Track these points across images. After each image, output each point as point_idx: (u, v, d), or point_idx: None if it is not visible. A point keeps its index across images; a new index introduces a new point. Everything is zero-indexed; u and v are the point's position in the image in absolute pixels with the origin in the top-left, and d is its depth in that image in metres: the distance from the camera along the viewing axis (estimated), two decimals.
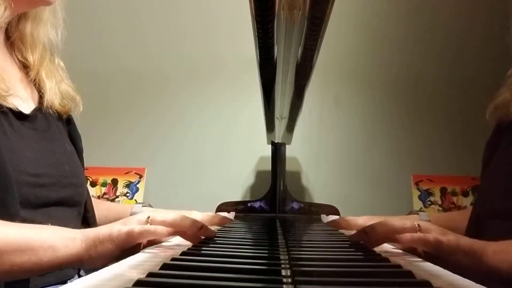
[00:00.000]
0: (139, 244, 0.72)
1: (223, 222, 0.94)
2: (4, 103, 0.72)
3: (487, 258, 0.63)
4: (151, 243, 0.73)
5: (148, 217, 0.68)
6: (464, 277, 0.49)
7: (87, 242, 0.63)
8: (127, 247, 0.66)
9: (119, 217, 0.92)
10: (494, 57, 1.96)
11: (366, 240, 0.71)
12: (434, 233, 0.66)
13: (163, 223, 0.68)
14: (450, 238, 0.66)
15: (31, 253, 0.58)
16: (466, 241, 0.66)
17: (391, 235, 0.69)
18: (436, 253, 0.66)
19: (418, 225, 0.68)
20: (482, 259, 0.63)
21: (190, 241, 0.70)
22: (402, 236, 0.67)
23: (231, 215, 1.38)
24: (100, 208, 0.95)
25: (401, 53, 2.05)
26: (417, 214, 1.05)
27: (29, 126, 0.78)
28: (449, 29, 2.05)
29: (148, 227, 0.67)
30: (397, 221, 0.71)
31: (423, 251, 0.71)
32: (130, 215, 0.92)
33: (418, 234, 0.67)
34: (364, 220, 0.94)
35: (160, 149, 2.05)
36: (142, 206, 1.02)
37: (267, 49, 0.68)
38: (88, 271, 0.81)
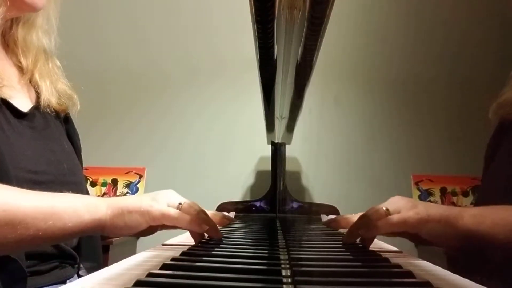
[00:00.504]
0: (164, 225, 0.72)
1: (223, 222, 0.94)
2: None
3: (463, 222, 0.63)
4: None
5: (180, 204, 0.67)
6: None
7: (113, 209, 0.64)
8: (156, 225, 0.67)
9: None
10: (494, 57, 1.96)
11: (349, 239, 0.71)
12: (401, 214, 0.65)
13: (194, 214, 0.68)
14: (418, 210, 0.65)
15: (56, 218, 0.59)
16: (437, 210, 0.65)
17: (367, 233, 0.68)
18: (407, 230, 0.66)
19: (387, 209, 0.66)
20: (457, 223, 0.63)
21: (195, 239, 0.71)
22: (371, 232, 0.67)
23: (231, 214, 1.38)
24: None
25: (401, 53, 2.06)
26: None
27: (27, 125, 0.78)
28: (449, 29, 2.05)
29: (182, 215, 0.66)
30: (371, 212, 0.68)
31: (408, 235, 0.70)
32: None
33: (382, 221, 0.65)
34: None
35: (160, 149, 2.05)
36: None
37: (267, 49, 0.68)
38: (88, 270, 0.82)
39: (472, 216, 0.64)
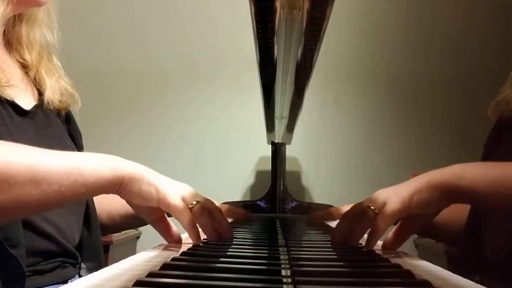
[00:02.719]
0: (163, 217, 0.73)
1: (228, 215, 0.95)
2: (4, 94, 0.73)
3: (443, 179, 0.64)
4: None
5: (195, 203, 0.68)
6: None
7: (135, 172, 0.65)
8: (161, 209, 0.68)
9: (123, 209, 0.93)
10: (494, 57, 1.96)
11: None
12: (388, 204, 0.66)
13: (206, 213, 0.68)
14: (400, 193, 0.66)
15: (78, 173, 0.60)
16: (419, 180, 0.67)
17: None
18: (401, 217, 0.66)
19: (373, 207, 0.66)
20: (440, 183, 0.64)
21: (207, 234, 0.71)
22: (374, 237, 0.66)
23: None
24: (101, 202, 0.95)
25: (401, 53, 2.06)
26: None
27: (29, 123, 0.78)
28: (449, 29, 2.05)
29: (188, 218, 0.67)
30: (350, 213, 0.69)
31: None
32: None
33: (379, 223, 0.65)
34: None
35: (160, 149, 2.05)
36: None
37: (267, 49, 0.68)
38: (89, 270, 0.82)
39: (452, 173, 0.65)
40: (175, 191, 0.68)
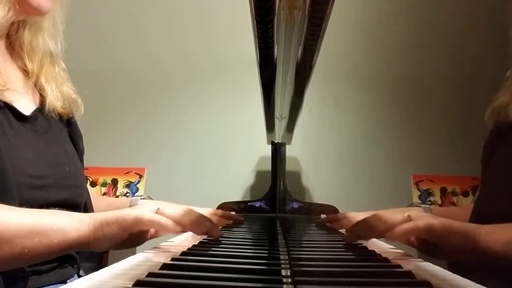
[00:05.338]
0: (147, 232, 0.74)
1: (221, 221, 0.95)
2: (1, 97, 0.72)
3: (480, 238, 0.64)
4: (156, 235, 0.75)
5: (158, 209, 0.69)
6: (464, 275, 0.49)
7: (95, 224, 0.64)
8: (134, 231, 0.67)
9: None
10: (494, 57, 1.96)
11: (361, 236, 0.71)
12: (425, 219, 0.66)
13: (171, 218, 0.69)
14: (442, 220, 0.66)
15: (42, 235, 0.59)
16: (459, 223, 0.66)
17: (383, 232, 0.69)
18: (430, 238, 0.66)
19: (408, 215, 0.67)
20: (475, 239, 0.64)
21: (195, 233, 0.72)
22: (393, 232, 0.67)
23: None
24: (99, 205, 0.95)
25: (401, 53, 2.06)
26: (419, 206, 1.04)
27: (29, 128, 0.78)
28: (449, 29, 2.05)
29: (158, 217, 0.68)
30: (390, 215, 0.70)
31: (418, 244, 0.71)
32: (129, 207, 0.93)
33: (408, 224, 0.66)
34: (364, 216, 0.93)
35: (160, 149, 2.04)
36: (141, 198, 1.02)
37: (267, 49, 0.68)
38: (88, 270, 0.82)
39: (487, 233, 0.64)
40: (134, 212, 0.68)
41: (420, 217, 0.67)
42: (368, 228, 0.71)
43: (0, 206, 0.59)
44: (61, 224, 0.62)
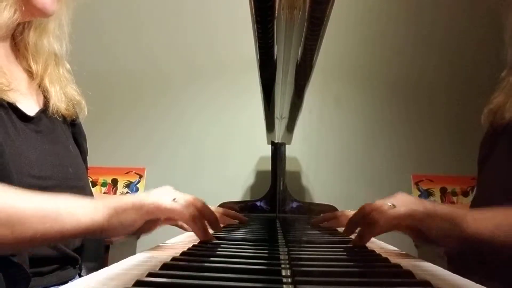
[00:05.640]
0: (158, 220, 0.73)
1: (223, 219, 0.95)
2: (5, 97, 0.72)
3: (467, 224, 0.63)
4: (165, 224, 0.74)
5: (174, 199, 0.68)
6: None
7: (109, 210, 0.63)
8: (151, 218, 0.67)
9: None
10: (494, 58, 1.96)
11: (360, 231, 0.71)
12: (408, 205, 0.66)
13: (190, 206, 0.68)
14: (426, 205, 0.65)
15: (54, 220, 0.59)
16: (444, 208, 0.66)
17: (372, 225, 0.68)
18: (413, 224, 0.66)
19: (393, 204, 0.66)
20: (462, 225, 0.63)
21: (197, 233, 0.71)
22: (376, 225, 0.66)
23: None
24: None
25: (401, 53, 2.06)
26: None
27: (32, 128, 0.78)
28: (449, 29, 2.05)
29: (177, 206, 0.67)
30: (377, 206, 0.69)
31: (414, 232, 0.70)
32: None
33: (390, 213, 0.65)
34: None
35: (160, 149, 2.05)
36: None
37: (267, 49, 0.68)
38: (89, 271, 0.82)
39: (474, 220, 0.64)
40: (151, 198, 0.67)
41: (404, 203, 0.66)
42: (355, 221, 0.71)
43: (14, 189, 0.59)
44: (74, 209, 0.61)
